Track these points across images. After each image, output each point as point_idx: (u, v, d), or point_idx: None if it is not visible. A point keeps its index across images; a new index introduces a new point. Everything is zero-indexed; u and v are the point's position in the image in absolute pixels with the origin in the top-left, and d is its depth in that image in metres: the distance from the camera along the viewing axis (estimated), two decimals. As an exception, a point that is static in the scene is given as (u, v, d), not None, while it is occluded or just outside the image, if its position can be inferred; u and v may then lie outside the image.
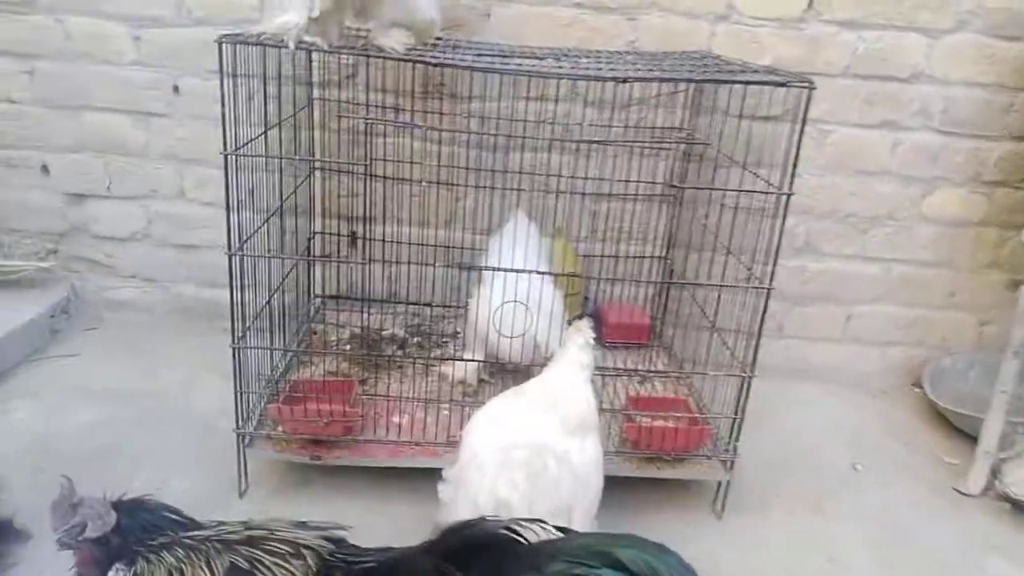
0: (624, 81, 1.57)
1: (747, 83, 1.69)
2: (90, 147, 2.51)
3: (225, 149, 1.62)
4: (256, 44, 1.58)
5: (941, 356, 2.67)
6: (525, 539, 0.95)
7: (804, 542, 1.93)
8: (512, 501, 1.35)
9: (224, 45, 1.56)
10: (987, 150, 2.50)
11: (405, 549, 1.04)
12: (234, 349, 1.74)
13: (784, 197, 1.69)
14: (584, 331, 1.61)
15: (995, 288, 2.64)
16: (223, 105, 1.60)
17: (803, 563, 1.86)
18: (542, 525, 0.95)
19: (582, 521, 1.45)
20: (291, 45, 1.53)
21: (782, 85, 1.60)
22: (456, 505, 1.44)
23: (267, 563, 1.00)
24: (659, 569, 0.86)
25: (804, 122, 1.62)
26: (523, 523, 0.96)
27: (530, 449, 1.43)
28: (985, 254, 2.61)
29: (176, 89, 2.44)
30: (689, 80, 1.90)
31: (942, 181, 2.54)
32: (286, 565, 1.00)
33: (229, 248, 1.68)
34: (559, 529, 0.97)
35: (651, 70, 1.78)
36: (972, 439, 2.32)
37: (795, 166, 1.66)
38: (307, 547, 1.03)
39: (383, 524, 1.81)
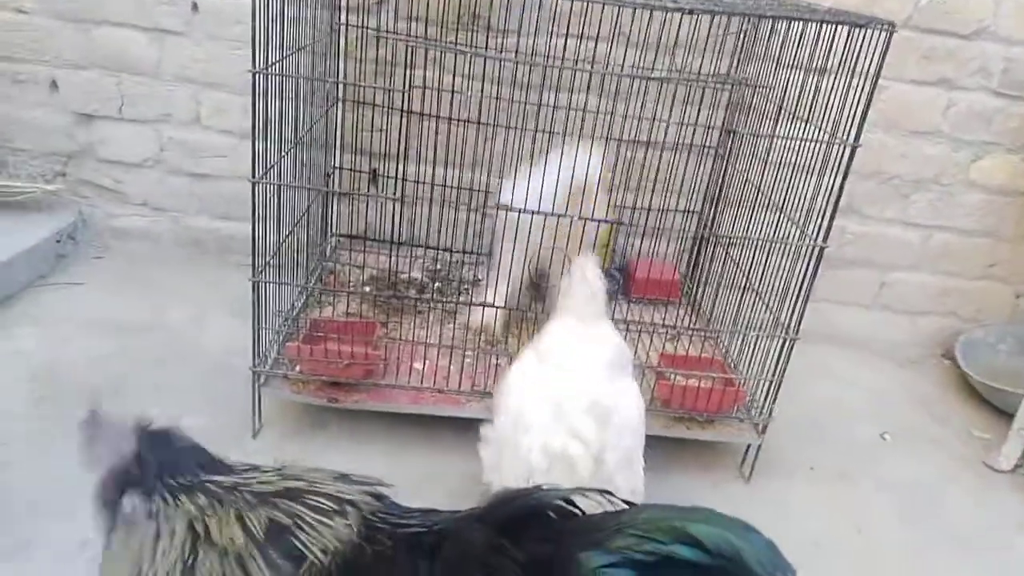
0: (690, 12, 1.43)
1: (823, 22, 1.56)
2: (102, 64, 2.38)
3: (254, 67, 1.50)
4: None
5: (973, 327, 2.59)
6: (582, 511, 0.86)
7: (831, 510, 1.88)
8: (574, 453, 1.28)
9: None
10: (1045, 116, 2.39)
11: (454, 515, 0.93)
12: (253, 283, 1.65)
13: (850, 149, 1.58)
14: (588, 267, 1.52)
15: (1036, 260, 2.55)
16: (254, 19, 1.47)
17: (831, 531, 1.81)
18: (607, 496, 0.85)
19: (638, 471, 1.39)
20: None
21: (861, 27, 1.47)
22: (504, 469, 1.36)
23: (309, 520, 0.89)
24: (741, 548, 0.76)
25: (881, 67, 1.50)
26: (585, 492, 0.86)
27: (583, 398, 1.35)
28: (1030, 225, 2.52)
29: (195, 7, 2.31)
30: (759, 16, 1.76)
31: (994, 146, 2.43)
32: (330, 523, 0.89)
33: (253, 175, 1.57)
34: (624, 502, 0.87)
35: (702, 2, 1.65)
36: (1003, 413, 2.26)
37: (864, 115, 1.54)
38: (351, 503, 0.92)
39: (400, 472, 1.71)
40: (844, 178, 1.61)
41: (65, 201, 2.52)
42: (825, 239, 1.67)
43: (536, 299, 2.19)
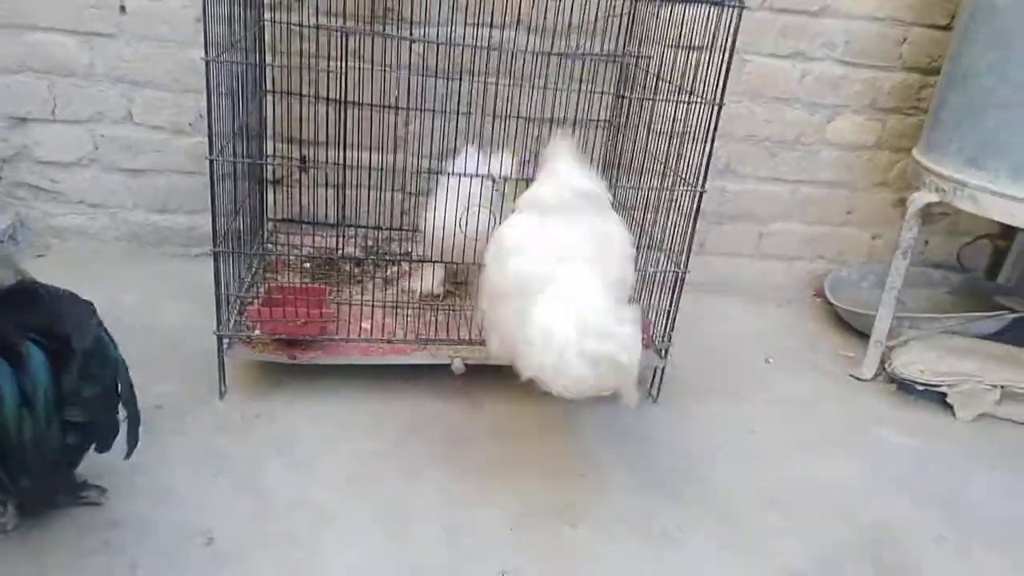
0: None
1: (687, 2, 1.89)
2: (33, 68, 2.48)
3: (206, 55, 1.69)
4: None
5: (839, 268, 3.01)
6: None
7: (726, 420, 2.21)
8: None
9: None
10: (882, 80, 2.81)
11: None
12: (214, 253, 1.84)
13: (715, 108, 1.91)
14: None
15: (884, 206, 2.99)
16: (204, 12, 1.67)
17: (726, 435, 2.14)
18: None
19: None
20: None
21: (717, 4, 1.80)
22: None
23: None
24: None
25: (735, 41, 1.83)
26: None
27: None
28: (877, 175, 2.95)
29: (123, 9, 2.44)
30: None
31: (843, 108, 2.84)
32: None
33: (210, 153, 1.76)
34: None
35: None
36: (865, 336, 2.66)
37: (726, 79, 1.87)
38: None
39: (360, 418, 1.99)
40: (714, 132, 1.94)
41: (2, 203, 2.61)
42: (703, 184, 1.99)
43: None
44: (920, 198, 2.30)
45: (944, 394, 2.34)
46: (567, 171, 1.77)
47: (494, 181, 2.03)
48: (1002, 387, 2.30)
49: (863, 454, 2.14)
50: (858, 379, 2.50)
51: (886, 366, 2.46)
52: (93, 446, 1.48)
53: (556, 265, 1.64)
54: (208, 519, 1.61)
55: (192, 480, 1.71)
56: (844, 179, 2.94)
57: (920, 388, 2.35)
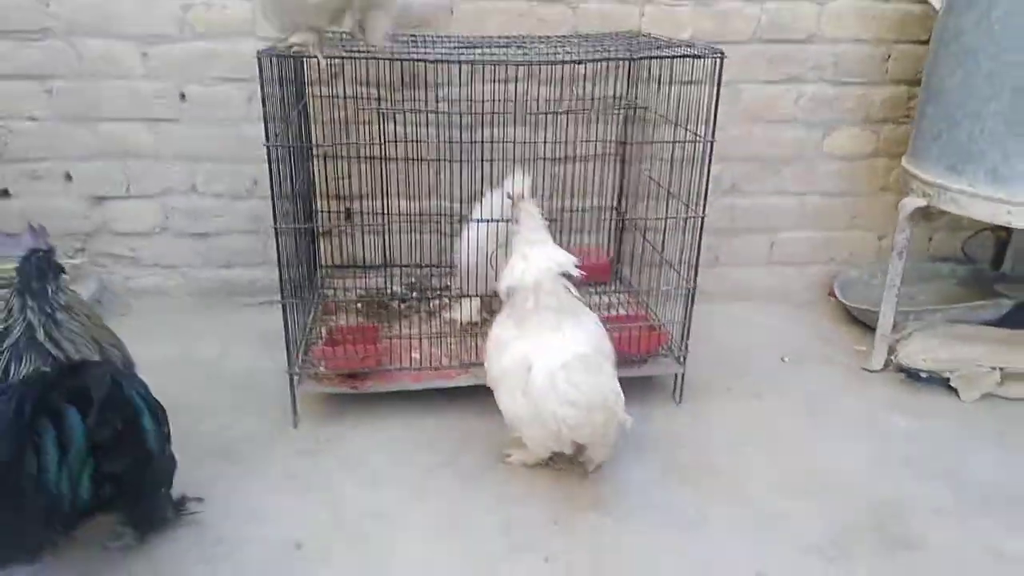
0: (580, 62, 2.01)
1: (671, 57, 2.15)
2: (108, 154, 2.84)
3: (267, 141, 2.00)
4: (288, 56, 1.97)
5: (848, 269, 3.22)
6: None
7: (745, 417, 2.43)
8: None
9: (262, 58, 1.93)
10: (873, 94, 3.03)
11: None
12: (282, 304, 2.14)
13: (708, 144, 2.16)
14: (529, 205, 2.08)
15: (888, 208, 3.18)
16: (264, 105, 1.98)
17: (744, 430, 2.36)
18: None
19: None
20: (320, 57, 1.93)
21: (698, 57, 2.06)
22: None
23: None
24: None
25: (719, 84, 2.09)
26: None
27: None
28: (878, 181, 3.16)
29: (183, 97, 2.79)
30: (622, 59, 2.35)
31: (838, 123, 3.06)
32: None
33: (275, 223, 2.07)
34: None
35: (592, 51, 2.23)
36: (875, 331, 2.86)
37: (715, 119, 2.13)
38: None
39: (416, 436, 2.26)
40: (710, 163, 2.19)
41: (87, 272, 2.96)
42: (703, 211, 2.24)
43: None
44: (909, 203, 2.51)
45: (947, 379, 2.52)
46: (539, 254, 2.03)
47: (511, 198, 2.26)
48: (1002, 369, 2.48)
49: (872, 438, 2.34)
50: (868, 371, 2.70)
51: (893, 357, 2.65)
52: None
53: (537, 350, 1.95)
54: (294, 530, 1.89)
55: (277, 498, 2.00)
56: (846, 187, 3.16)
57: (924, 375, 2.54)
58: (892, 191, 3.16)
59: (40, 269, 1.72)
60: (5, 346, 1.65)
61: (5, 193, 2.85)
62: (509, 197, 2.24)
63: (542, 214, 2.10)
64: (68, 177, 2.86)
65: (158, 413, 1.67)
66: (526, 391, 1.92)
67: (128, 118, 2.80)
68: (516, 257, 2.03)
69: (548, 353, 1.90)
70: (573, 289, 2.04)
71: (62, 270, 1.80)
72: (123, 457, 1.56)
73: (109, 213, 2.92)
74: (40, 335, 1.67)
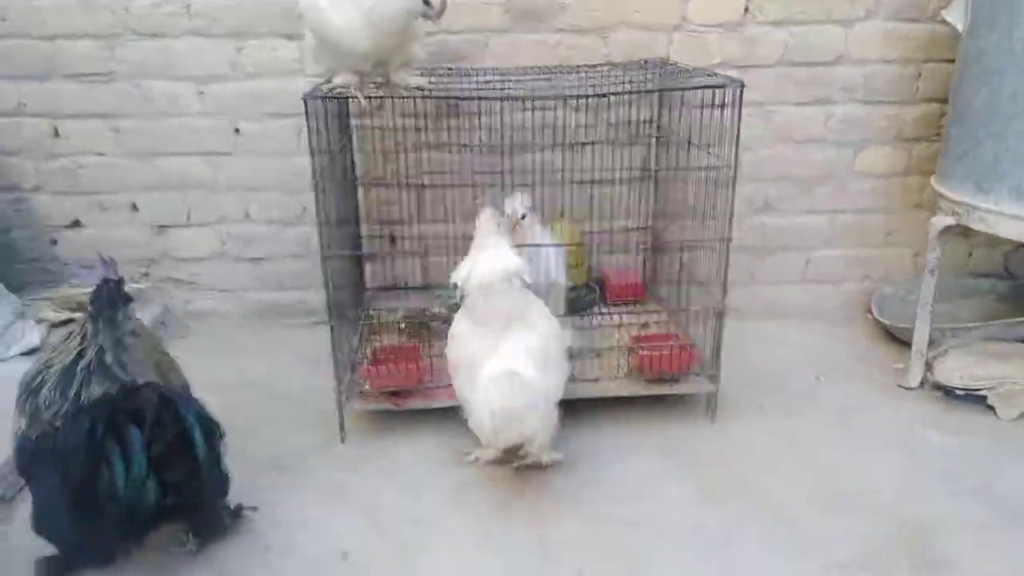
0: (614, 95, 2.13)
1: (692, 88, 2.24)
2: (169, 185, 3.04)
3: (315, 177, 2.15)
4: (332, 98, 2.12)
5: (884, 286, 3.23)
6: None
7: (778, 435, 2.47)
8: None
9: (307, 100, 2.08)
10: (904, 113, 3.06)
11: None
12: (331, 327, 2.28)
13: (732, 168, 2.24)
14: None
15: (922, 225, 3.17)
16: (310, 143, 2.13)
17: (777, 447, 2.40)
18: None
19: None
20: (360, 97, 2.08)
21: (720, 87, 2.15)
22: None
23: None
24: None
25: (740, 111, 2.17)
26: None
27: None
28: (911, 198, 3.17)
29: (237, 131, 2.98)
30: (646, 91, 2.45)
31: (869, 142, 3.09)
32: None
33: (323, 250, 2.21)
34: None
35: (620, 81, 2.34)
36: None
37: (737, 144, 2.20)
38: None
39: (452, 450, 2.36)
40: (734, 187, 2.26)
41: (151, 296, 3.16)
42: (729, 233, 2.30)
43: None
44: (939, 222, 2.54)
45: (985, 397, 2.53)
46: (487, 258, 2.12)
47: (506, 215, 2.40)
48: (1040, 386, 2.48)
49: (906, 455, 2.36)
50: (904, 388, 2.71)
51: (929, 375, 2.67)
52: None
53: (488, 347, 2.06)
54: (340, 539, 2.01)
55: (324, 509, 2.12)
56: (880, 204, 3.18)
57: (960, 393, 2.55)
58: (925, 208, 3.16)
59: (111, 298, 1.87)
60: (79, 368, 1.80)
61: (77, 223, 3.07)
62: (505, 215, 2.36)
63: (500, 225, 2.21)
64: (134, 207, 3.07)
65: (210, 427, 1.81)
66: (472, 389, 2.04)
67: (187, 152, 3.00)
68: (466, 260, 2.15)
69: (489, 360, 2.00)
70: (529, 293, 2.13)
71: (130, 299, 1.95)
72: (177, 468, 1.71)
73: (171, 241, 3.12)
74: (109, 359, 1.82)
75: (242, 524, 2.02)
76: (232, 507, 2.02)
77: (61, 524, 1.72)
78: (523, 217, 2.44)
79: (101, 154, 3.00)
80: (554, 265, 2.52)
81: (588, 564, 1.93)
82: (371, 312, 2.96)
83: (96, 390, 1.76)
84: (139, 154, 3.00)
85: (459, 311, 2.19)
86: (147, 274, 3.15)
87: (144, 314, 3.06)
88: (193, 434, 1.74)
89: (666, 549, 1.99)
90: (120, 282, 1.90)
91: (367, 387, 2.39)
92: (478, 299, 2.08)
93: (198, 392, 2.71)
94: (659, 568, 1.92)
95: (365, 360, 2.47)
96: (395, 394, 2.40)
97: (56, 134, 2.95)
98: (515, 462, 2.21)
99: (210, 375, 2.83)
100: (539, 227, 2.24)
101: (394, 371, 2.35)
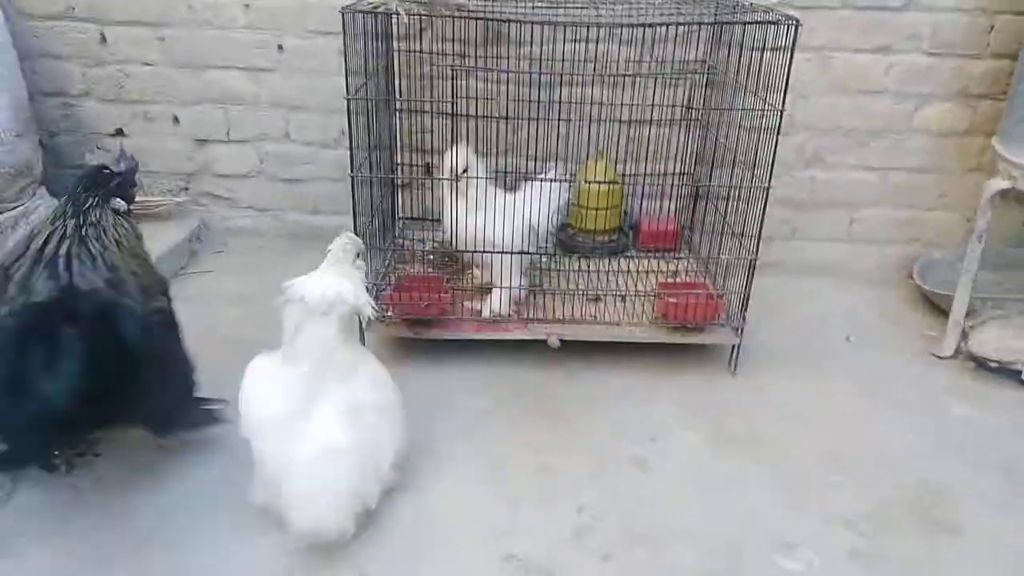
0: (664, 24, 2.04)
1: (744, 23, 2.14)
2: (211, 99, 3.05)
3: (347, 94, 2.13)
4: (371, 13, 2.07)
5: (932, 250, 3.11)
6: None
7: (800, 392, 2.43)
8: None
9: (345, 14, 2.04)
10: (971, 67, 2.89)
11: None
12: (356, 251, 2.28)
13: (779, 113, 2.15)
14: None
15: (978, 189, 3.03)
16: (346, 60, 2.10)
17: (798, 404, 2.37)
18: None
19: None
20: (402, 14, 2.03)
21: (774, 23, 2.04)
22: None
23: None
24: None
25: (792, 52, 2.07)
26: None
27: None
28: (970, 160, 3.02)
29: (280, 48, 2.96)
30: (698, 23, 2.34)
31: (931, 97, 2.94)
32: None
33: (351, 171, 2.21)
34: None
35: (671, 14, 2.24)
36: (949, 316, 2.78)
37: (786, 88, 2.11)
38: None
39: (471, 384, 2.38)
40: (778, 133, 2.17)
41: (189, 210, 3.21)
42: (769, 182, 2.23)
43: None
44: (994, 184, 2.42)
45: (1019, 371, 2.44)
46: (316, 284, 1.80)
47: (456, 175, 2.32)
48: (1079, 364, 2.39)
49: (929, 423, 2.31)
50: (937, 357, 2.64)
51: (964, 344, 2.58)
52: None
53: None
54: (353, 458, 2.05)
55: (341, 428, 2.17)
56: (935, 164, 3.04)
57: (994, 365, 2.47)
58: (984, 171, 3.01)
59: (91, 180, 1.80)
60: (29, 251, 1.74)
61: (120, 132, 3.11)
62: (453, 172, 2.26)
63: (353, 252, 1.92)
64: (175, 120, 3.09)
65: (154, 334, 1.76)
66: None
67: (231, 66, 3.00)
68: (295, 286, 1.80)
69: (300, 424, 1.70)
70: (353, 338, 1.84)
71: (116, 194, 1.85)
72: (111, 373, 1.63)
73: (211, 155, 3.15)
74: (64, 249, 1.72)
75: (214, 414, 2.01)
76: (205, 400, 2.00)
77: (2, 421, 1.69)
78: (464, 171, 2.37)
79: (147, 64, 3.01)
80: (535, 208, 2.42)
81: (590, 500, 1.95)
82: (402, 241, 2.96)
83: (42, 289, 1.69)
84: (183, 64, 3.00)
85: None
86: (187, 188, 3.20)
87: (183, 228, 3.14)
88: (129, 341, 1.67)
89: (669, 492, 1.99)
90: (113, 174, 1.83)
91: (389, 313, 2.41)
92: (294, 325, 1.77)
93: (226, 305, 2.79)
94: (659, 509, 1.93)
95: (388, 287, 2.48)
96: (417, 323, 2.41)
97: (103, 40, 2.97)
98: None
99: (240, 288, 2.92)
100: (485, 179, 2.16)
101: (416, 299, 2.36)
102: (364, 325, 1.86)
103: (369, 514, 1.81)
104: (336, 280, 1.78)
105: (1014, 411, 2.37)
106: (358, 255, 1.92)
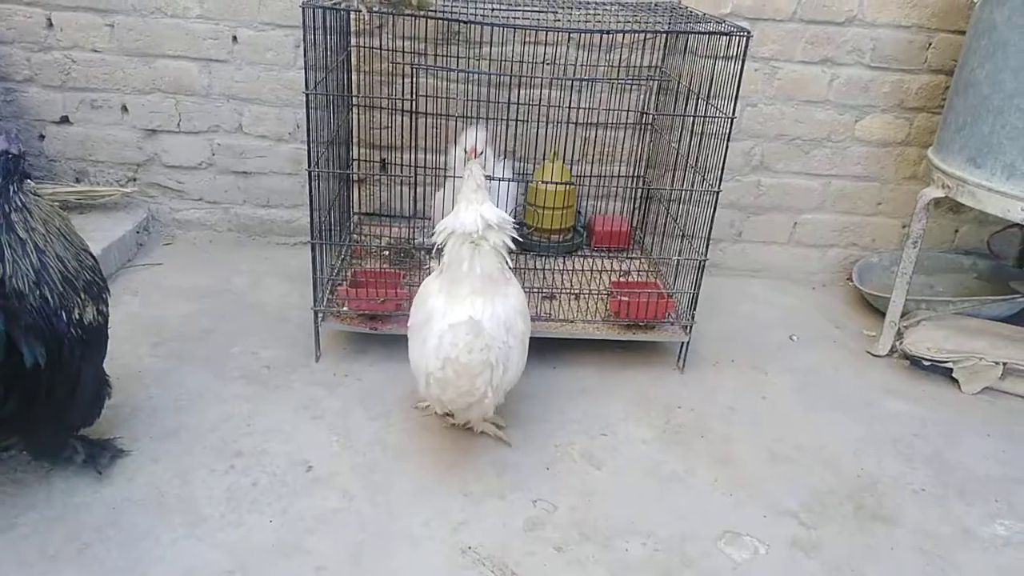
0: (621, 32, 2.07)
1: (698, 33, 2.20)
2: (162, 89, 2.99)
3: (307, 89, 2.12)
4: (332, 9, 2.07)
5: (870, 255, 3.25)
6: None
7: (744, 388, 2.52)
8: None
9: (305, 8, 2.04)
10: (909, 81, 3.03)
11: None
12: (312, 245, 2.28)
13: (729, 120, 2.22)
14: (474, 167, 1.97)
15: (914, 197, 3.17)
16: (305, 55, 2.10)
17: (740, 399, 2.45)
18: None
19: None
20: (363, 10, 2.03)
21: (726, 35, 2.11)
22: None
23: None
24: None
25: (743, 61, 2.14)
26: None
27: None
28: (906, 169, 3.16)
29: (235, 39, 2.92)
30: (653, 32, 2.40)
31: (871, 108, 3.07)
32: None
33: (309, 166, 2.20)
34: None
35: (627, 22, 2.29)
36: (886, 317, 2.91)
37: (737, 96, 2.18)
38: None
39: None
40: (728, 140, 2.25)
41: (137, 201, 3.14)
42: (719, 186, 2.31)
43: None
44: (928, 193, 2.54)
45: (951, 370, 2.58)
46: (472, 213, 1.94)
47: (466, 152, 2.33)
48: (1004, 364, 2.52)
49: (865, 419, 2.42)
50: (873, 355, 2.76)
51: (899, 344, 2.71)
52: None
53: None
54: (307, 452, 2.05)
55: (295, 423, 2.16)
56: (874, 172, 3.17)
57: (927, 364, 2.60)
58: (920, 180, 3.17)
59: (5, 170, 1.73)
60: None
61: (65, 120, 3.03)
62: (465, 152, 2.29)
63: (487, 175, 2.05)
64: (124, 109, 3.03)
65: (62, 355, 1.71)
66: (423, 346, 1.93)
67: (183, 56, 2.94)
68: (450, 216, 1.98)
69: (447, 317, 1.90)
70: (508, 258, 2.00)
71: (27, 176, 1.79)
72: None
73: (160, 145, 3.08)
74: None
75: (115, 464, 1.95)
76: (97, 440, 1.96)
77: None
78: (481, 153, 2.39)
79: (95, 50, 2.94)
80: (505, 199, 2.49)
81: (544, 493, 1.99)
82: (356, 236, 2.96)
83: None
84: (133, 53, 2.94)
85: (432, 274, 2.07)
86: (134, 179, 3.13)
87: (131, 219, 3.08)
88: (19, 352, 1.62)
89: (619, 485, 2.05)
90: (19, 157, 1.75)
91: (345, 308, 2.41)
92: (455, 254, 1.95)
93: (175, 298, 2.74)
94: (611, 501, 1.99)
95: (344, 282, 2.48)
96: (372, 318, 2.42)
97: (49, 24, 2.88)
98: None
99: (190, 281, 2.87)
100: (495, 161, 2.18)
101: (372, 294, 2.36)
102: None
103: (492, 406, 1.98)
104: (488, 209, 1.95)
105: (945, 407, 2.50)
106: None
